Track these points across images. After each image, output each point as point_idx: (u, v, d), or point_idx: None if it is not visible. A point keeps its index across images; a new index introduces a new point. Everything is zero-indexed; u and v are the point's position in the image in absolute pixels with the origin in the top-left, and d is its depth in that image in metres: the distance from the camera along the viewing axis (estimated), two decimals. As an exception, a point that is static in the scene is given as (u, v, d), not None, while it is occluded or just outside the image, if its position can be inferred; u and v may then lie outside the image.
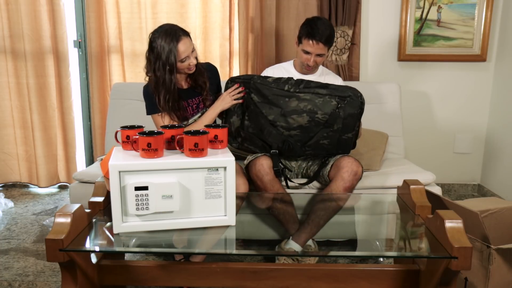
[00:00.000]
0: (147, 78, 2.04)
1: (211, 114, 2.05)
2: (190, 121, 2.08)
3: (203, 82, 2.06)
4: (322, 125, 1.97)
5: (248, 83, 2.05)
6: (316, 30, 2.09)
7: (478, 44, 2.99)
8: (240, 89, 2.05)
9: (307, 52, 2.15)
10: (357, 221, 1.81)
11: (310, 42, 2.12)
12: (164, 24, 1.94)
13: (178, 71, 1.95)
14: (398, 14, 3.00)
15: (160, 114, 2.02)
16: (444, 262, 1.29)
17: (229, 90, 2.06)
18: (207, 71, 2.10)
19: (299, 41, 2.19)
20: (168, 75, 1.90)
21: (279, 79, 2.04)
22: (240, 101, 2.05)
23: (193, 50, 1.95)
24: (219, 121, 2.22)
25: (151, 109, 2.04)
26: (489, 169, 3.15)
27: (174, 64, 1.88)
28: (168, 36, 1.87)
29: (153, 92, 1.97)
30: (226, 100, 2.05)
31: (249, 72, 2.99)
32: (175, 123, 2.02)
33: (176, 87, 1.96)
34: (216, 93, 2.18)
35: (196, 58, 1.98)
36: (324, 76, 2.32)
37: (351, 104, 1.95)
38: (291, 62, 2.35)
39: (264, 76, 2.07)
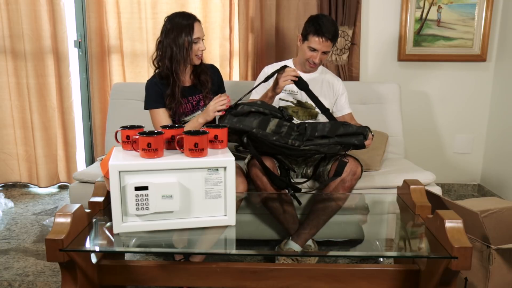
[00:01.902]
0: (147, 77, 2.06)
1: (193, 123, 1.98)
2: (189, 117, 2.11)
3: (205, 79, 2.11)
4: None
5: (247, 133, 1.89)
6: (324, 27, 2.10)
7: (478, 44, 2.99)
8: (226, 98, 1.92)
9: (313, 49, 2.15)
10: (357, 221, 1.81)
11: (318, 39, 2.11)
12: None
13: (188, 55, 2.01)
14: (398, 14, 3.00)
15: (160, 109, 2.05)
16: (444, 262, 1.29)
17: (215, 99, 1.94)
18: (210, 71, 2.16)
19: (305, 38, 2.17)
20: (184, 49, 1.98)
21: (280, 125, 1.90)
22: (222, 113, 1.92)
23: (203, 38, 2.04)
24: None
25: (151, 104, 2.07)
26: (489, 169, 3.15)
27: (191, 38, 1.98)
28: (185, 15, 2.03)
29: (168, 69, 2.00)
30: (209, 110, 1.94)
31: (249, 73, 2.99)
32: (169, 123, 2.03)
33: (191, 59, 2.03)
34: (216, 93, 2.19)
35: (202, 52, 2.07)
36: (324, 75, 2.33)
37: (356, 146, 1.93)
38: (291, 61, 2.35)
39: (264, 117, 1.90)
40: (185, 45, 1.98)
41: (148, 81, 2.10)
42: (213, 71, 2.20)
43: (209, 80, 2.12)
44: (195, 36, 1.99)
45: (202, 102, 2.13)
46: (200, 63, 2.11)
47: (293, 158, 2.22)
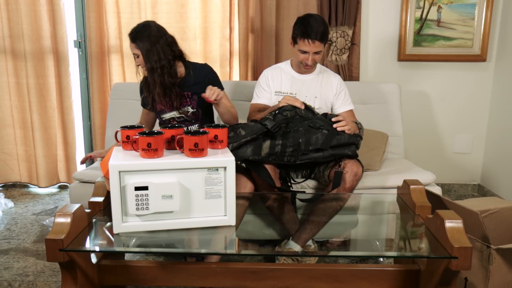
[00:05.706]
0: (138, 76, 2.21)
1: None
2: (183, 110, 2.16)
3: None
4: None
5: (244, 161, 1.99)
6: (310, 28, 2.07)
7: (478, 44, 2.99)
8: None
9: (304, 52, 2.13)
10: (357, 221, 1.81)
11: (306, 41, 2.09)
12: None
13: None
14: (398, 14, 3.00)
15: (146, 110, 2.26)
16: (444, 262, 1.29)
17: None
18: (195, 71, 2.17)
19: (294, 41, 2.16)
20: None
21: (272, 146, 1.94)
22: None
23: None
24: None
25: (142, 103, 2.27)
26: (489, 169, 3.15)
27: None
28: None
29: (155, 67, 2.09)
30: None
31: (249, 73, 2.99)
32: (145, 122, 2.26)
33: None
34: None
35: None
36: (322, 74, 2.30)
37: (349, 157, 2.01)
38: (288, 62, 2.34)
39: (256, 143, 1.94)
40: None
41: (142, 81, 2.24)
42: (202, 69, 2.19)
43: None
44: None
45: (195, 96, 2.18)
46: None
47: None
